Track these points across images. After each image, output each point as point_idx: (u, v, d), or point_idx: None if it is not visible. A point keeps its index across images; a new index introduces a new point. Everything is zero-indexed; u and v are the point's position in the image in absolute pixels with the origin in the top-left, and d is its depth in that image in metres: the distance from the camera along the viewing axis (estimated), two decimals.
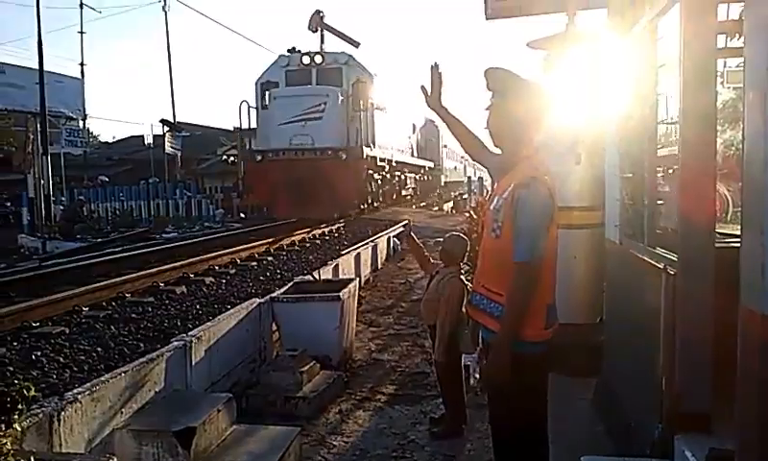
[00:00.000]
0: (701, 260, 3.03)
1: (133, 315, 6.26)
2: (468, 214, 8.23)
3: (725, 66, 6.39)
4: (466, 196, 29.77)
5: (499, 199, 2.77)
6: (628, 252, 4.16)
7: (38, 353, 4.86)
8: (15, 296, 6.92)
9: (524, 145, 2.83)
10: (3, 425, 2.23)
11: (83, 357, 4.90)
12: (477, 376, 5.01)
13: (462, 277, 4.36)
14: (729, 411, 2.85)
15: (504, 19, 5.34)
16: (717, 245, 3.13)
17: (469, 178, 35.88)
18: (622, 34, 4.66)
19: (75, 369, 4.65)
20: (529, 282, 2.66)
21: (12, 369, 4.53)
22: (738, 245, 2.41)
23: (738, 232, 2.63)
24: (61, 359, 4.81)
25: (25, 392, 2.24)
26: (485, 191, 30.13)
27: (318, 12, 16.44)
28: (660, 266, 3.39)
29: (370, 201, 19.47)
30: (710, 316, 3.10)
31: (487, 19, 5.26)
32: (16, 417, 2.23)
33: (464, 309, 4.19)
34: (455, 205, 28.72)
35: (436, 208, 28.19)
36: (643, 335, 3.74)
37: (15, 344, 5.09)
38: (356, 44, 19.26)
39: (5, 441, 2.23)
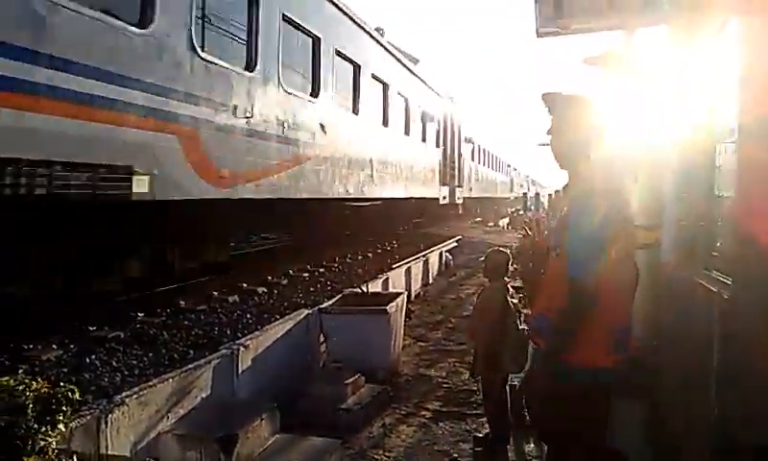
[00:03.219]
0: (758, 284, 2.90)
1: (186, 322, 6.40)
2: (523, 231, 8.11)
3: None
4: (522, 212, 29.46)
5: (559, 217, 2.75)
6: (682, 274, 4.03)
7: (92, 356, 5.02)
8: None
9: (582, 163, 2.79)
10: (49, 427, 2.30)
11: (134, 362, 5.03)
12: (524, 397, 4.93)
13: (506, 291, 4.31)
14: None
15: (556, 37, 5.24)
16: None
17: (525, 194, 35.76)
18: (681, 50, 4.55)
19: (126, 373, 4.77)
20: (578, 301, 2.53)
21: (65, 370, 4.68)
22: None
23: None
24: (114, 363, 4.95)
25: (69, 395, 2.31)
26: (540, 207, 29.82)
27: (378, 29, 16.57)
28: (715, 290, 3.27)
29: None
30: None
31: (538, 37, 5.19)
32: (60, 418, 2.29)
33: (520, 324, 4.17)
34: (511, 221, 28.49)
35: (491, 224, 28.02)
36: (697, 361, 3.61)
37: (72, 346, 5.26)
38: (415, 61, 19.35)
39: (50, 441, 2.30)
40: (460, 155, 23.77)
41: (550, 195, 29.15)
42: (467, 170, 25.75)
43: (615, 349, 2.66)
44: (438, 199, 20.18)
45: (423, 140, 18.09)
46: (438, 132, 20.05)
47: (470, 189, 27.01)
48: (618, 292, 2.67)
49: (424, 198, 18.21)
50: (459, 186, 23.59)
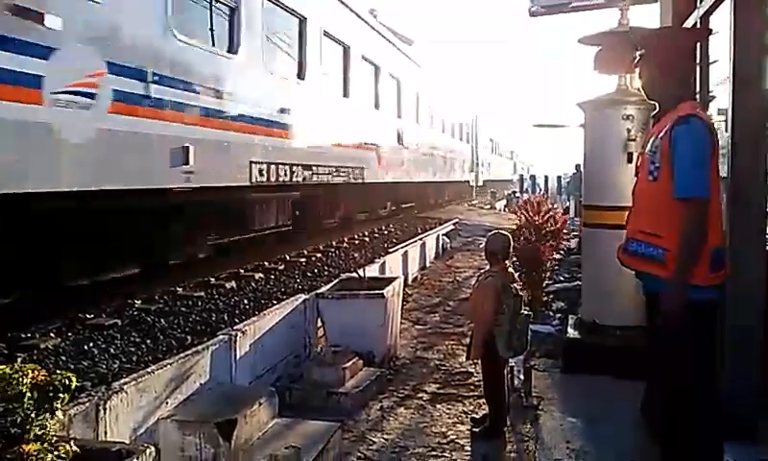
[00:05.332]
0: (751, 264, 2.93)
1: (183, 309, 6.41)
2: (516, 213, 8.09)
3: None
4: (518, 194, 29.51)
5: (655, 139, 2.80)
6: None
7: (90, 344, 5.03)
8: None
9: (675, 92, 2.88)
10: (47, 414, 2.31)
11: (132, 349, 5.04)
12: (522, 377, 4.96)
13: (505, 275, 4.30)
14: None
15: (549, 16, 5.22)
16: None
17: (521, 176, 35.79)
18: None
19: (124, 360, 4.79)
20: (697, 220, 2.62)
21: (64, 358, 4.69)
22: None
23: None
24: (112, 350, 4.96)
25: (67, 382, 2.32)
26: (538, 190, 29.89)
27: (371, 10, 16.45)
28: None
29: None
30: (761, 321, 3.00)
31: (531, 16, 5.17)
32: (58, 405, 2.30)
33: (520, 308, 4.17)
34: (508, 203, 28.54)
35: (488, 207, 28.08)
36: None
37: (70, 334, 5.27)
38: (409, 42, 19.28)
39: (48, 428, 2.31)
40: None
41: (559, 177, 31.11)
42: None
43: (715, 265, 2.73)
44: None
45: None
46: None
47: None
48: (716, 210, 2.77)
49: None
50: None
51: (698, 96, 3.89)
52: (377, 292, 5.81)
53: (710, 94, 3.89)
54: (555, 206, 10.44)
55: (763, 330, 3.12)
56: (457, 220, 17.32)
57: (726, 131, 3.88)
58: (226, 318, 6.14)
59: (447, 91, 25.31)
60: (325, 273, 8.97)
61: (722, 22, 3.52)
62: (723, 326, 3.16)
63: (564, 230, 8.25)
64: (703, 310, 2.69)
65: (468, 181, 31.23)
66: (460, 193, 31.26)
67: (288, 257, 9.96)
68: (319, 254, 10.66)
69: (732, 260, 3.06)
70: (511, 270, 4.50)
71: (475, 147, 32.05)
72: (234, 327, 4.80)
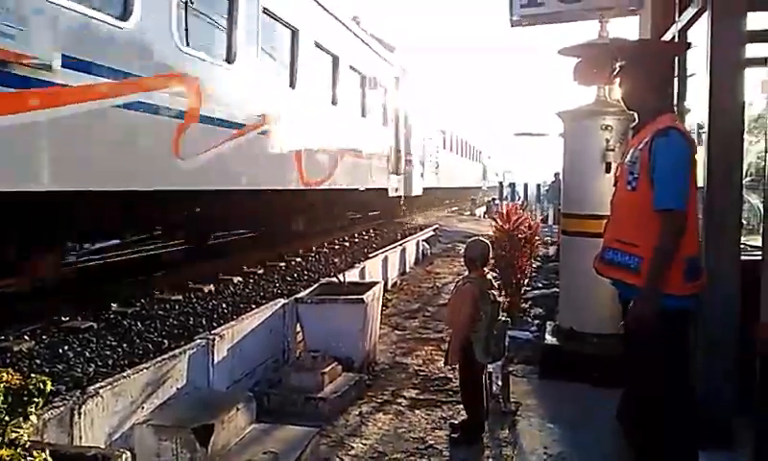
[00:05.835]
0: (726, 271, 2.98)
1: (160, 312, 6.34)
2: (493, 221, 8.14)
3: None
4: (498, 201, 29.71)
5: (635, 151, 2.85)
6: None
7: (66, 348, 4.96)
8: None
9: (655, 103, 2.91)
10: (21, 419, 2.27)
11: (108, 352, 4.98)
12: (500, 383, 4.98)
13: (483, 282, 4.33)
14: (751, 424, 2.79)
15: (530, 27, 5.27)
16: (744, 257, 3.07)
17: (501, 183, 35.75)
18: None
19: (99, 364, 4.72)
20: (673, 231, 2.66)
21: (38, 362, 4.62)
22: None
23: None
24: (87, 354, 4.89)
25: (41, 386, 2.29)
26: (517, 197, 30.09)
27: (354, 18, 16.43)
28: None
29: None
30: (736, 327, 3.04)
31: (512, 26, 5.21)
32: (32, 410, 2.27)
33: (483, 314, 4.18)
34: (488, 210, 28.72)
35: (468, 213, 28.25)
36: None
37: (45, 337, 5.20)
38: (391, 49, 19.33)
39: (22, 433, 2.28)
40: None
41: (538, 185, 30.04)
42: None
43: (690, 275, 2.77)
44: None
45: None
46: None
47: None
48: (693, 220, 2.82)
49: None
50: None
51: (675, 108, 3.95)
52: (357, 297, 5.81)
53: (687, 107, 3.97)
54: (534, 212, 10.51)
55: (737, 337, 3.17)
56: (437, 226, 17.38)
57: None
58: (203, 322, 6.08)
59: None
60: (305, 277, 8.94)
61: (699, 36, 3.57)
62: (697, 331, 3.21)
63: (537, 237, 8.33)
64: (677, 319, 2.74)
65: (387, 190, 16.86)
66: (382, 209, 18.24)
67: (267, 261, 9.90)
68: (298, 259, 10.62)
69: (707, 268, 3.12)
70: (489, 276, 4.54)
71: (396, 133, 17.60)
72: (212, 332, 4.77)
